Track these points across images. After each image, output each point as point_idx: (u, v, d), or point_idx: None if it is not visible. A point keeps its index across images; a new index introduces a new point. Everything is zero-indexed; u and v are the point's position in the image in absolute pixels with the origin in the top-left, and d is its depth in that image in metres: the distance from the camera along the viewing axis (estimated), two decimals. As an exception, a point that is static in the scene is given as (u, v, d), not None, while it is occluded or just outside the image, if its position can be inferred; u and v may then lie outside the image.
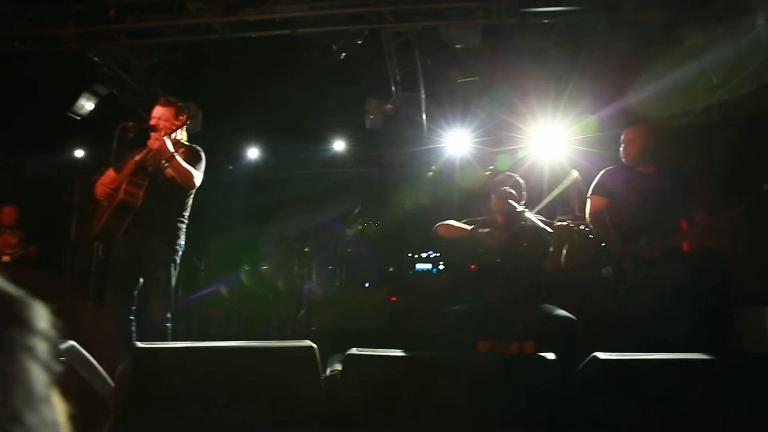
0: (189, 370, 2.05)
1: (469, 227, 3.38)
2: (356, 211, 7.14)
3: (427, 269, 6.21)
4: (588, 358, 2.13)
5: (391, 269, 7.07)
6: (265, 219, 7.47)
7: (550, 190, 6.39)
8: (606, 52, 4.92)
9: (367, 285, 7.23)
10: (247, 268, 7.75)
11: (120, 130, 3.36)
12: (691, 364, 2.20)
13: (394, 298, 6.10)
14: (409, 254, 6.30)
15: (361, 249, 7.31)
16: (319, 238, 7.35)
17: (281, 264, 7.20)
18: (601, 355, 2.07)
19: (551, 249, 3.25)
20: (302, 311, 6.83)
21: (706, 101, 5.21)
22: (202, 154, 3.61)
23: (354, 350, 2.10)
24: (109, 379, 2.18)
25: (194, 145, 3.68)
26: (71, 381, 1.96)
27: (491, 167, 6.30)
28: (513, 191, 3.33)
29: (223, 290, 7.19)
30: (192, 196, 3.63)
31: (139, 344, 2.09)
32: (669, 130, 5.44)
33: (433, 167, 7.55)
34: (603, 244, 3.63)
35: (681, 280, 3.36)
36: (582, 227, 3.16)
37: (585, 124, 5.73)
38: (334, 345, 3.02)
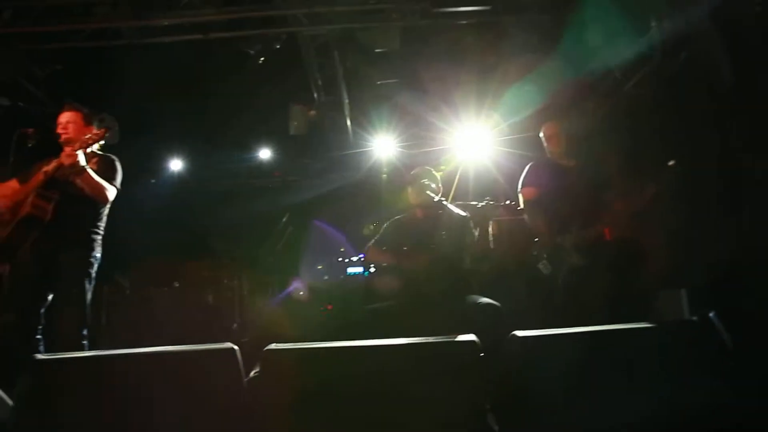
0: (92, 380, 1.95)
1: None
2: (284, 219, 7.03)
3: (359, 272, 6.19)
4: (509, 336, 2.21)
5: (326, 278, 7.00)
6: (192, 232, 7.22)
7: (475, 190, 6.56)
8: (518, 54, 5.08)
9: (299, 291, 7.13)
10: (176, 284, 7.48)
11: (18, 136, 3.16)
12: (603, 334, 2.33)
13: (330, 306, 6.07)
14: (339, 259, 6.26)
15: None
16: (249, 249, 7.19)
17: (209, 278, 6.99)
18: (519, 333, 2.14)
19: (476, 234, 3.31)
20: (235, 324, 6.67)
21: (613, 96, 5.50)
22: (118, 165, 3.43)
23: (272, 346, 2.06)
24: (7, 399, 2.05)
25: (109, 155, 3.48)
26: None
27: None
28: (430, 183, 3.37)
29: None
30: (108, 206, 3.46)
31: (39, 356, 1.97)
32: (585, 126, 5.70)
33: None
34: (536, 240, 3.76)
35: (608, 266, 3.52)
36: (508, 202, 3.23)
37: (508, 125, 5.91)
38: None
